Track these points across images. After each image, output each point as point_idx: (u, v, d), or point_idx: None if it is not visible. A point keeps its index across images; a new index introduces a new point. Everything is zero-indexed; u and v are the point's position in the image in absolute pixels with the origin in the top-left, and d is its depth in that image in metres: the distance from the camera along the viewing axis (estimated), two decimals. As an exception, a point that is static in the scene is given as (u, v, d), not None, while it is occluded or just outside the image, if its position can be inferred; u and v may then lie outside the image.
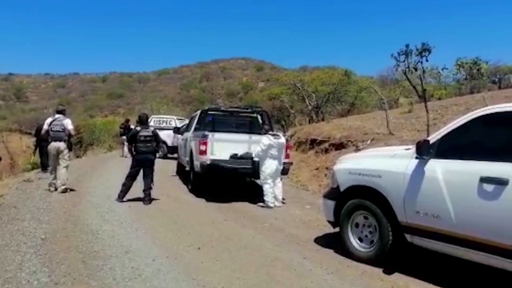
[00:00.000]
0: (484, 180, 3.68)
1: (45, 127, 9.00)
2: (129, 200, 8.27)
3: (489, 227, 3.65)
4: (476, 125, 4.01)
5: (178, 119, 20.93)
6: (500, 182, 3.56)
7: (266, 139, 8.42)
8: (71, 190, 9.16)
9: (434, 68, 16.69)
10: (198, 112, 11.28)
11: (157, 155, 17.66)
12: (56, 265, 4.50)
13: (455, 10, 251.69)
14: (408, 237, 4.49)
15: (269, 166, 8.37)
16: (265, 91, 40.95)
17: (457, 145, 4.15)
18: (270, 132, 8.69)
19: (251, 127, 10.31)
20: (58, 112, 9.14)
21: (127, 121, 19.58)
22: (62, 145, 8.87)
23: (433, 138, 4.32)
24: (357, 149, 10.49)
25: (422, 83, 10.91)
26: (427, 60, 10.09)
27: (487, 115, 3.93)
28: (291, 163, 9.89)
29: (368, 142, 11.26)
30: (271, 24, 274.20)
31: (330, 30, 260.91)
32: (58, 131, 8.85)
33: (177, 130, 13.84)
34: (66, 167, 8.96)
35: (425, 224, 4.20)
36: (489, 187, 3.64)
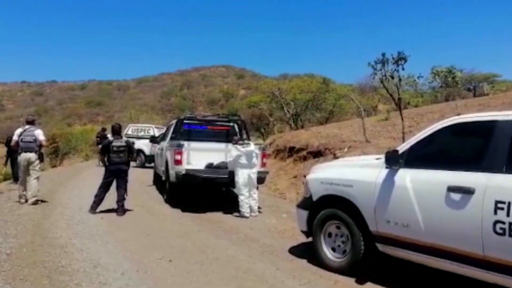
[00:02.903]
0: (451, 189, 3.69)
1: (15, 138, 8.77)
2: (102, 211, 8.10)
3: (457, 236, 3.66)
4: (443, 135, 4.05)
5: (156, 127, 20.72)
6: (467, 191, 3.57)
7: (234, 150, 8.39)
8: (43, 201, 8.93)
9: (411, 76, 16.97)
10: (174, 121, 11.16)
11: (135, 163, 17.52)
12: (19, 282, 4.33)
13: (430, 18, 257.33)
14: (379, 246, 4.47)
15: (241, 176, 8.32)
16: (246, 99, 40.98)
17: (425, 155, 4.18)
18: (240, 142, 8.64)
19: (228, 136, 10.23)
20: (28, 122, 8.91)
21: (104, 130, 19.31)
22: (33, 156, 8.65)
23: (402, 147, 4.34)
24: (335, 157, 10.52)
25: (398, 91, 11.03)
26: (403, 69, 10.25)
27: (453, 125, 3.97)
28: (267, 172, 9.83)
29: (345, 150, 11.31)
30: (252, 31, 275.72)
31: (311, 38, 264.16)
32: (29, 141, 8.63)
33: (153, 139, 13.66)
34: (37, 178, 8.72)
35: (395, 233, 4.19)
36: (456, 196, 3.65)
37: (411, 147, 4.25)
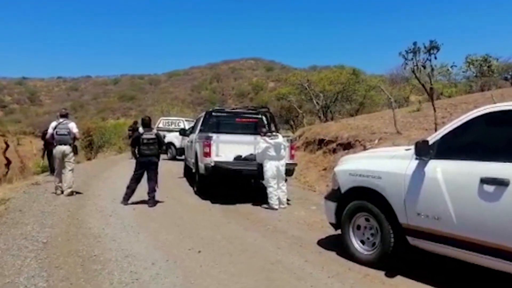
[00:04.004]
0: (484, 181, 3.57)
1: (50, 131, 9.07)
2: (133, 203, 8.28)
3: (490, 229, 3.54)
4: (476, 125, 3.90)
5: (186, 120, 20.96)
6: (501, 183, 3.45)
7: (262, 142, 8.39)
8: (78, 193, 9.21)
9: (444, 66, 16.50)
10: (203, 113, 11.26)
11: (167, 156, 17.77)
12: (54, 270, 4.50)
13: (464, 6, 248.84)
14: (410, 239, 4.39)
15: (270, 168, 8.32)
16: (275, 91, 40.83)
17: (456, 145, 4.04)
18: (268, 134, 8.63)
19: (256, 129, 10.24)
20: (62, 115, 9.18)
21: (135, 123, 19.64)
22: (67, 148, 8.92)
23: (432, 138, 4.22)
24: (365, 149, 10.37)
25: (431, 81, 10.74)
26: (435, 58, 9.96)
27: (487, 114, 3.82)
28: (296, 164, 9.79)
29: (376, 141, 11.13)
30: (281, 23, 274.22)
31: (340, 29, 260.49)
32: (63, 134, 8.91)
33: (183, 132, 13.82)
34: (72, 170, 9.00)
35: (426, 226, 4.10)
36: (489, 188, 3.54)
37: (442, 137, 4.13)
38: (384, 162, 4.73)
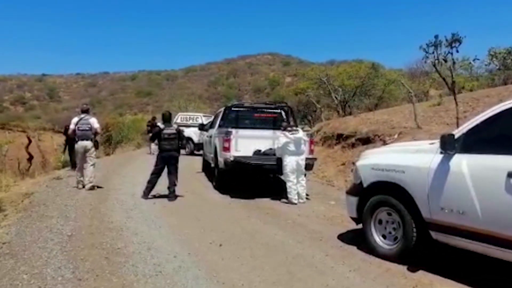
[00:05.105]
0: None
1: (72, 126, 9.21)
2: (154, 197, 8.38)
3: (518, 224, 3.48)
4: (504, 118, 3.82)
5: (204, 116, 21.06)
6: (529, 177, 3.38)
7: (282, 137, 8.39)
8: (98, 187, 9.34)
9: (466, 59, 16.19)
10: (222, 109, 11.29)
11: (185, 151, 17.89)
12: (80, 262, 4.59)
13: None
14: (433, 234, 4.34)
15: (289, 163, 8.32)
16: (292, 86, 40.63)
17: (483, 139, 3.97)
18: (288, 128, 8.61)
19: (275, 123, 10.23)
20: (83, 111, 9.33)
21: (154, 118, 19.80)
22: (89, 143, 9.06)
23: (458, 132, 4.16)
24: (385, 144, 10.28)
25: (452, 75, 10.56)
26: (457, 51, 9.77)
27: (516, 107, 3.74)
28: (315, 159, 9.76)
29: (396, 136, 11.02)
30: (298, 18, 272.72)
31: (358, 23, 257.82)
32: (85, 130, 9.04)
33: (202, 127, 13.91)
34: (93, 165, 9.14)
35: (450, 220, 4.06)
36: (517, 183, 3.47)
37: (468, 131, 4.06)
38: (407, 156, 4.68)
